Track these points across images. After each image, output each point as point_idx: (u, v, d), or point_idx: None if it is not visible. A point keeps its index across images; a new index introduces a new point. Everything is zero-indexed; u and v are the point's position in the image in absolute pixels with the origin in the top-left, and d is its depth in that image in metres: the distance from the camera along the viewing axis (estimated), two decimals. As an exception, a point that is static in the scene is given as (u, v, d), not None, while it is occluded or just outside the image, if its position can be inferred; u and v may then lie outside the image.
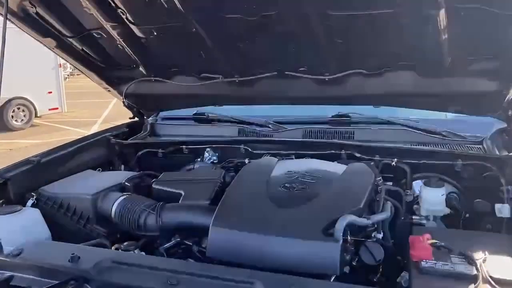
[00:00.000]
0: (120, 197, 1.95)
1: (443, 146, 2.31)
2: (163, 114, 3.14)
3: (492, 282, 1.30)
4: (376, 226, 1.67)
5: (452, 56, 1.95)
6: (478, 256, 1.45)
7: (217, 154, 2.60)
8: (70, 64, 2.55)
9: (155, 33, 2.17)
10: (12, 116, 10.73)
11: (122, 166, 2.77)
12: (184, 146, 2.63)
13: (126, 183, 2.10)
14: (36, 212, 1.98)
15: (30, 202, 2.06)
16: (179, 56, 2.39)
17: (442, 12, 1.66)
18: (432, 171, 2.14)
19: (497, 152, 2.14)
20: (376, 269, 1.60)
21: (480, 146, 2.25)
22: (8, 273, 1.39)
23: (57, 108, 11.50)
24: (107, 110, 11.95)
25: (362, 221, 1.60)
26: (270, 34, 2.02)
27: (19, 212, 1.92)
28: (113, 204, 1.92)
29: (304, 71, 2.27)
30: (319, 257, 1.49)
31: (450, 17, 1.70)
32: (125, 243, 1.78)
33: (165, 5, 1.87)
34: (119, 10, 2.01)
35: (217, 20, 1.96)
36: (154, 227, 1.79)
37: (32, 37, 2.21)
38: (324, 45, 2.04)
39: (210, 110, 2.96)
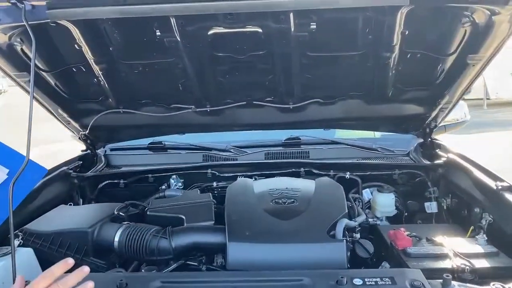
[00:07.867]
0: (120, 227, 1.99)
1: (379, 160, 2.83)
2: (110, 145, 3.15)
3: (460, 256, 1.76)
4: (359, 227, 2.05)
5: (394, 87, 2.44)
6: (439, 240, 1.92)
7: (182, 180, 2.75)
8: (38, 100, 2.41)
9: (140, 68, 2.25)
10: None
11: (81, 200, 2.72)
12: (150, 175, 2.72)
13: (121, 213, 2.14)
14: (30, 251, 1.90)
15: (16, 242, 1.96)
16: (155, 88, 2.49)
17: (395, 54, 2.15)
18: (377, 180, 2.63)
19: (422, 161, 2.72)
20: (366, 261, 1.97)
21: (407, 158, 2.82)
22: None
23: None
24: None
25: (352, 223, 1.97)
26: (251, 70, 2.28)
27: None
28: (115, 234, 1.96)
29: (271, 101, 2.57)
30: (329, 256, 1.78)
31: (399, 58, 2.18)
32: (145, 268, 1.85)
33: (166, 44, 2.01)
34: (111, 47, 2.08)
35: (208, 57, 2.16)
36: (168, 250, 1.89)
37: (4, 71, 2.11)
38: (294, 79, 2.38)
39: (165, 139, 3.09)
